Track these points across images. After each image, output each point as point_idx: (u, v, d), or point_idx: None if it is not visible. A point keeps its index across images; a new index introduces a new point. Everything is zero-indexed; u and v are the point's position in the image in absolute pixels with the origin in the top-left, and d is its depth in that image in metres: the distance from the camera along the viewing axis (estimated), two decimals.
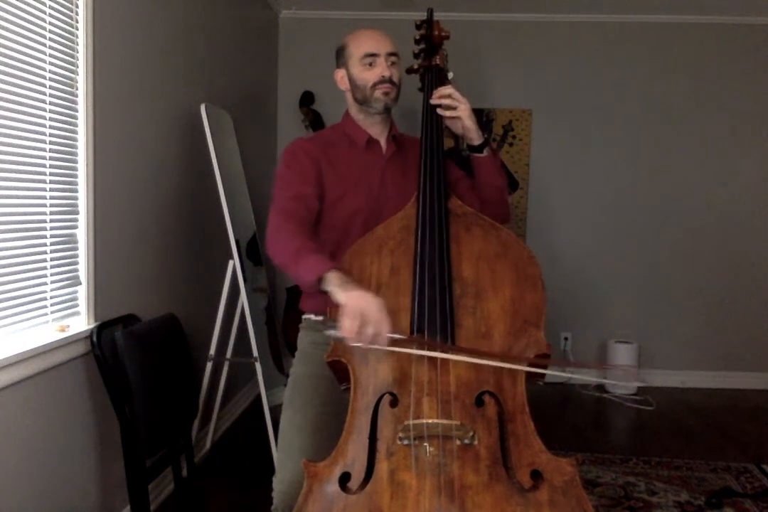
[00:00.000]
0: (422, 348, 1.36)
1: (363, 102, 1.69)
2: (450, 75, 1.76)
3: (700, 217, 4.25)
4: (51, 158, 1.89)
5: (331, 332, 1.32)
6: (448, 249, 1.47)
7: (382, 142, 1.75)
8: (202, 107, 2.67)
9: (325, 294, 1.40)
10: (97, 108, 2.06)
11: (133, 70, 2.31)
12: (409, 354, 1.36)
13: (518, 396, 1.35)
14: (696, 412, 3.81)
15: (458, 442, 1.27)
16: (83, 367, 2.03)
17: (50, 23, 1.85)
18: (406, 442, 1.28)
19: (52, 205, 1.91)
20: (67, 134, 1.97)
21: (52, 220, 1.91)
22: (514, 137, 4.25)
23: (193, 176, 2.83)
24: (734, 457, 3.10)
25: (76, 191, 2.02)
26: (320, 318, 1.38)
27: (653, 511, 2.52)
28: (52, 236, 1.92)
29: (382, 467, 1.28)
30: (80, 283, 2.04)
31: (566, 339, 4.35)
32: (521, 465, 1.27)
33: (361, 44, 1.67)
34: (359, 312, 1.28)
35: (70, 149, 1.98)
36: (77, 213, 2.03)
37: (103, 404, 2.08)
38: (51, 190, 1.90)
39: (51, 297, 1.92)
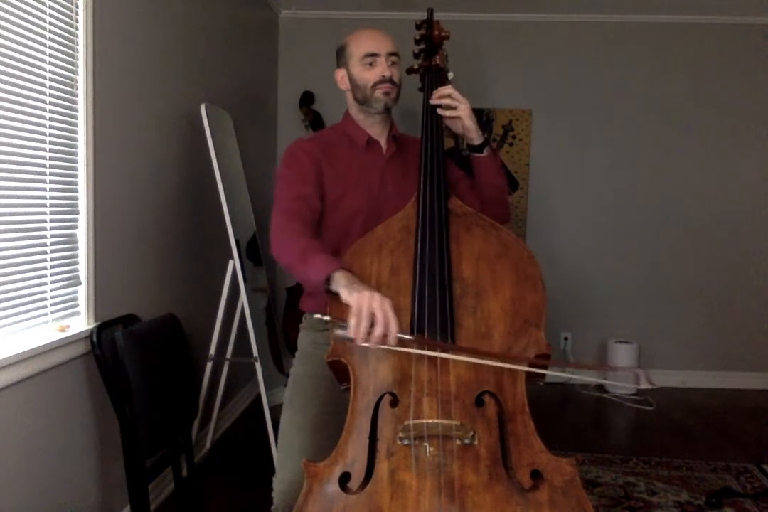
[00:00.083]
0: (423, 348, 1.36)
1: (363, 102, 1.69)
2: (450, 75, 1.76)
3: (700, 217, 4.25)
4: (51, 158, 1.89)
5: (340, 332, 1.32)
6: (448, 249, 1.47)
7: (383, 142, 1.75)
8: (202, 107, 2.67)
9: (326, 293, 1.40)
10: (97, 108, 2.06)
11: (133, 70, 2.31)
12: (409, 354, 1.36)
13: (518, 396, 1.35)
14: (696, 412, 3.81)
15: (458, 442, 1.27)
16: (83, 367, 2.03)
17: (50, 23, 1.85)
18: (406, 442, 1.28)
19: (52, 205, 1.91)
20: (67, 134, 1.97)
21: (52, 220, 1.91)
22: (514, 137, 4.25)
23: (193, 176, 2.83)
24: (734, 457, 3.10)
25: (76, 191, 2.02)
26: (328, 318, 1.38)
27: (653, 511, 2.52)
28: (52, 236, 1.91)
29: (382, 467, 1.28)
30: (80, 283, 2.04)
31: (566, 339, 4.35)
32: (521, 465, 1.27)
33: (361, 44, 1.67)
34: (368, 312, 1.27)
35: (70, 149, 1.98)
36: (77, 213, 2.03)
37: (103, 404, 2.08)
38: (51, 190, 1.90)
39: (51, 297, 1.92)
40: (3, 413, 1.68)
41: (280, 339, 3.51)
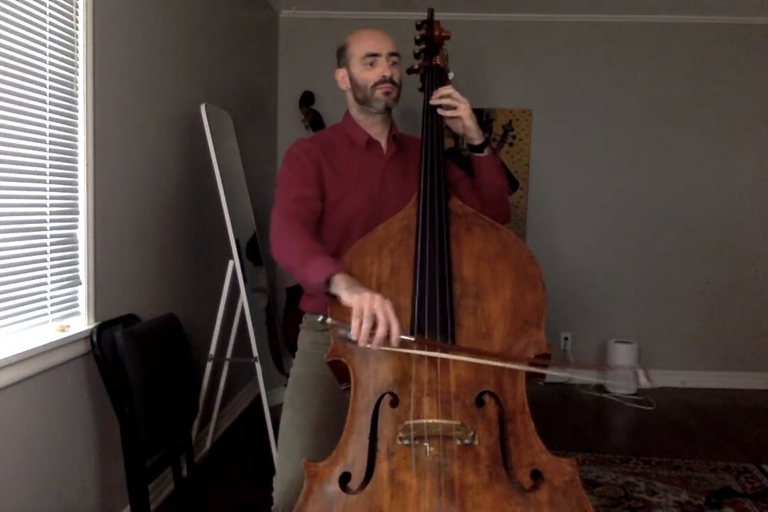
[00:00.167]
0: (423, 349, 1.36)
1: (364, 102, 1.69)
2: (450, 75, 1.76)
3: (700, 217, 4.25)
4: (51, 158, 1.89)
5: (342, 334, 1.31)
6: (449, 249, 1.47)
7: (383, 143, 1.75)
8: (202, 107, 2.67)
9: (326, 295, 1.40)
10: (97, 108, 2.06)
11: (133, 70, 2.31)
12: (409, 354, 1.36)
13: (518, 396, 1.35)
14: (696, 412, 3.81)
15: (458, 442, 1.27)
16: (83, 367, 2.03)
17: (50, 23, 1.85)
18: (406, 442, 1.28)
19: (52, 205, 1.91)
20: (67, 134, 1.97)
21: (52, 220, 1.91)
22: (514, 137, 4.25)
23: (193, 176, 2.83)
24: (734, 457, 3.10)
25: (76, 191, 2.02)
26: (330, 320, 1.37)
27: (653, 511, 2.52)
28: (52, 236, 1.91)
29: (383, 467, 1.28)
30: (80, 283, 2.04)
31: (566, 339, 4.35)
32: (521, 465, 1.27)
33: (362, 44, 1.67)
34: (370, 313, 1.27)
35: (70, 149, 1.98)
36: (77, 213, 2.03)
37: (103, 404, 2.08)
38: (51, 190, 1.90)
39: (51, 297, 1.92)
40: (3, 413, 1.68)
41: (280, 339, 3.51)
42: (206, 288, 3.02)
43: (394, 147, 1.76)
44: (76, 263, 2.04)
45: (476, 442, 1.28)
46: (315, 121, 3.96)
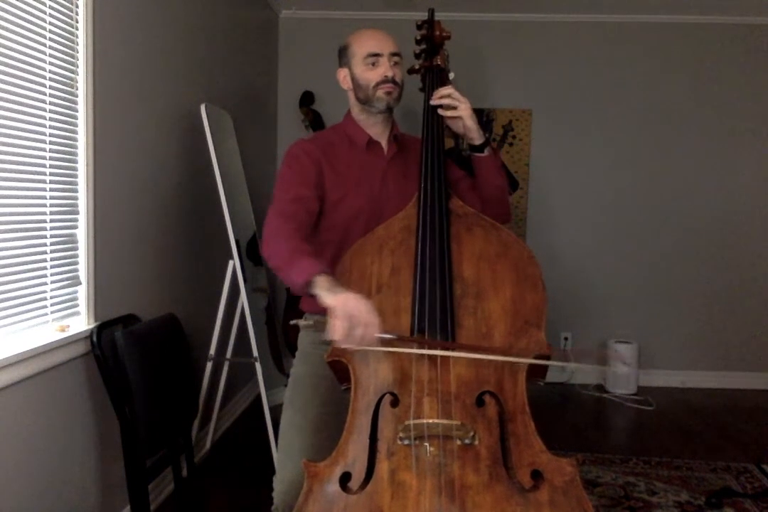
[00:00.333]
0: (420, 347, 1.36)
1: (365, 101, 1.69)
2: (451, 75, 1.76)
3: (700, 217, 4.25)
4: (51, 158, 1.89)
5: (323, 335, 1.31)
6: (449, 249, 1.47)
7: (384, 143, 1.75)
8: (202, 107, 2.67)
9: (310, 296, 1.39)
10: (97, 108, 2.06)
11: (133, 70, 2.31)
12: (410, 354, 1.36)
13: (519, 396, 1.35)
14: (696, 412, 3.81)
15: (459, 442, 1.27)
16: (83, 367, 2.03)
17: (50, 23, 1.85)
18: (406, 442, 1.28)
19: (52, 205, 1.91)
20: (67, 134, 1.97)
21: (52, 220, 1.91)
22: (514, 137, 4.25)
23: (193, 176, 2.82)
24: (734, 457, 3.10)
25: (76, 191, 2.02)
26: (306, 322, 1.37)
27: (653, 511, 2.52)
28: (52, 236, 1.91)
29: (383, 467, 1.28)
30: (80, 283, 2.04)
31: (566, 339, 4.35)
32: (522, 465, 1.27)
33: (364, 44, 1.67)
34: (348, 314, 1.26)
35: (70, 149, 1.98)
36: (77, 213, 2.03)
37: (103, 404, 2.08)
38: (51, 190, 1.90)
39: (51, 297, 1.92)
40: (3, 413, 1.68)
41: (280, 339, 3.51)
42: (206, 288, 3.02)
43: (395, 147, 1.76)
44: (76, 263, 2.04)
45: (476, 442, 1.28)
46: (315, 121, 3.96)
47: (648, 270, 4.29)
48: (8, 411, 1.70)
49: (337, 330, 1.25)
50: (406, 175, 1.71)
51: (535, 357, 1.38)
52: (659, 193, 4.25)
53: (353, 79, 1.69)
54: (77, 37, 1.98)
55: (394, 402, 1.34)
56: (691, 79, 4.20)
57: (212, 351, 2.90)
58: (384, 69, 1.65)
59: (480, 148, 1.69)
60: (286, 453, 1.57)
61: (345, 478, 1.30)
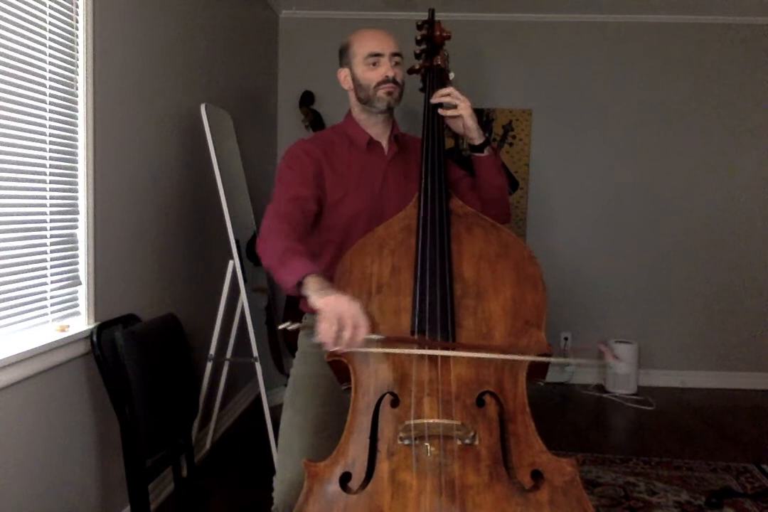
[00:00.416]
0: (420, 347, 1.36)
1: (366, 101, 1.69)
2: (451, 75, 1.76)
3: (700, 217, 4.25)
4: (51, 158, 1.89)
5: (312, 338, 1.30)
6: (449, 249, 1.47)
7: (384, 143, 1.75)
8: (202, 107, 2.67)
9: (301, 297, 1.39)
10: (97, 108, 2.06)
11: (133, 70, 2.31)
12: (410, 354, 1.36)
13: (519, 397, 1.35)
14: (696, 412, 3.81)
15: (459, 442, 1.27)
16: (83, 367, 2.03)
17: (50, 23, 1.85)
18: (407, 442, 1.28)
19: (52, 205, 1.91)
20: (67, 134, 1.97)
21: (52, 220, 1.91)
22: (514, 137, 4.25)
23: (193, 176, 2.82)
24: (734, 457, 3.10)
25: (76, 191, 2.02)
26: (296, 326, 1.36)
27: (653, 511, 2.52)
28: (52, 236, 1.91)
29: (383, 467, 1.28)
30: (80, 283, 2.04)
31: (566, 339, 4.35)
32: (522, 465, 1.27)
33: (365, 44, 1.67)
34: (336, 316, 1.25)
35: (70, 149, 1.98)
36: (77, 213, 2.03)
37: (103, 404, 2.08)
38: (51, 190, 1.90)
39: (51, 297, 1.92)
40: (3, 413, 1.68)
41: (280, 339, 3.51)
42: (206, 288, 3.02)
43: (396, 147, 1.76)
44: (76, 263, 2.04)
45: (477, 442, 1.28)
46: (315, 121, 3.96)
47: (648, 270, 4.29)
48: (8, 412, 1.70)
49: (325, 333, 1.25)
50: (406, 175, 1.71)
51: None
52: (659, 193, 4.25)
53: (354, 79, 1.69)
54: (77, 37, 1.97)
55: (395, 402, 1.34)
56: (691, 79, 4.20)
57: (212, 351, 2.90)
58: (385, 69, 1.65)
59: (480, 148, 1.69)
60: (286, 453, 1.57)
61: (345, 478, 1.30)
